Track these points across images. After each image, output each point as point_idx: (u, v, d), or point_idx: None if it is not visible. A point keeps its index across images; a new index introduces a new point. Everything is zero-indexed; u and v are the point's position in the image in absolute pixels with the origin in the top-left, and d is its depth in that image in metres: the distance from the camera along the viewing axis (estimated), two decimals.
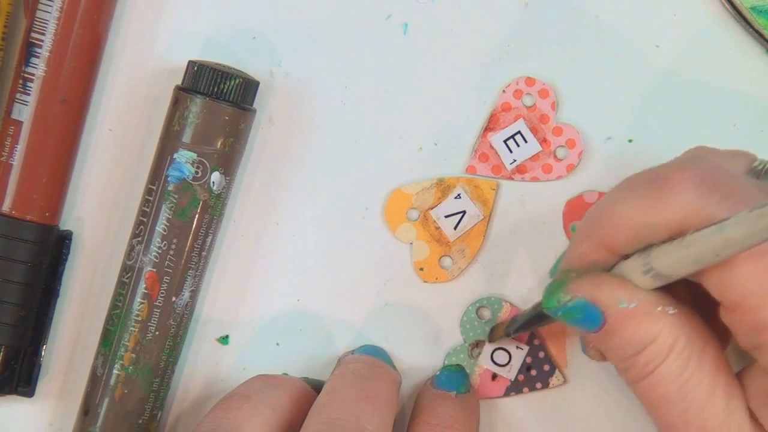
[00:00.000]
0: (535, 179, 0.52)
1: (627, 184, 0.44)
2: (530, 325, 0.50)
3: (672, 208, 0.41)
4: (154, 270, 0.49)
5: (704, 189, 0.41)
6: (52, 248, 0.51)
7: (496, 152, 0.52)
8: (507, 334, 0.51)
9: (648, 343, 0.42)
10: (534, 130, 0.52)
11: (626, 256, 0.43)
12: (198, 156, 0.49)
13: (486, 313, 0.52)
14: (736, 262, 0.40)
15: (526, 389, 0.52)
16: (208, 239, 0.50)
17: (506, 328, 0.50)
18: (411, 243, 0.52)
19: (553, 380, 0.52)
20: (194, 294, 0.50)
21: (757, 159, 0.45)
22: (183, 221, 0.49)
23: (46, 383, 0.52)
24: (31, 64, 0.49)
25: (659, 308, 0.42)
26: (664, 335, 0.42)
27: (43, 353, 0.51)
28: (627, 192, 0.43)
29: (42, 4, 0.49)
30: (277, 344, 0.52)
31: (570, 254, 0.45)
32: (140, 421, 0.50)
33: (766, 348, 0.41)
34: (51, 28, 0.49)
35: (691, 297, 0.44)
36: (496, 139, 0.52)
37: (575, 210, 0.52)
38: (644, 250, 0.42)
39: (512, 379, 0.51)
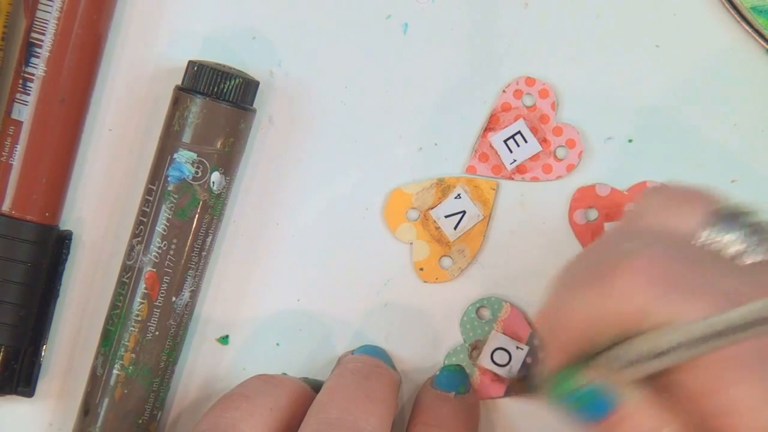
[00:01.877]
0: (535, 179, 0.52)
1: (573, 278, 0.42)
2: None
3: (620, 304, 0.40)
4: (154, 270, 0.49)
5: (651, 283, 0.39)
6: (52, 248, 0.51)
7: (496, 152, 0.52)
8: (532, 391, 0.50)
9: None
10: (534, 130, 0.52)
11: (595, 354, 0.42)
12: (198, 156, 0.49)
13: (486, 313, 0.52)
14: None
15: None
16: (208, 239, 0.50)
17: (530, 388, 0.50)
18: (411, 243, 0.52)
19: None
20: (194, 294, 0.50)
21: (718, 202, 0.44)
22: (183, 221, 0.49)
23: (46, 383, 0.52)
24: (31, 64, 0.49)
25: (666, 397, 0.41)
26: (671, 424, 0.41)
27: (43, 353, 0.51)
28: (574, 289, 0.41)
29: (42, 4, 0.49)
30: (277, 344, 0.52)
31: (543, 363, 0.43)
32: (140, 421, 0.50)
33: None
34: (51, 28, 0.49)
35: None
36: (496, 139, 0.52)
37: (584, 198, 0.52)
38: (611, 348, 0.41)
39: None
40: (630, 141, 0.52)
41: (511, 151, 0.52)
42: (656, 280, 0.40)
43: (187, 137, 0.49)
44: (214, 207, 0.50)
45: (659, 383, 0.41)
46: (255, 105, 0.50)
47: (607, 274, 0.40)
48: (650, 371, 0.40)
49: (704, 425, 0.40)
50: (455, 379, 0.51)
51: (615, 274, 0.40)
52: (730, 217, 0.43)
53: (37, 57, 0.49)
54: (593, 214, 0.52)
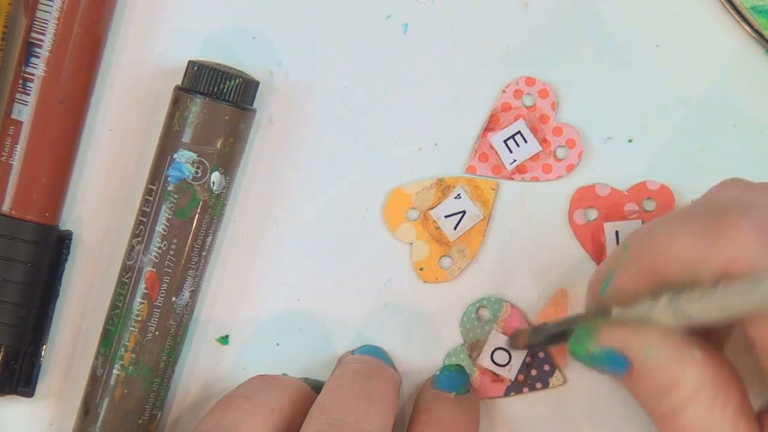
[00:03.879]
0: (535, 179, 0.52)
1: (685, 215, 0.43)
2: (552, 342, 0.49)
3: (726, 254, 0.41)
4: (154, 270, 0.49)
5: (762, 241, 0.40)
6: (52, 248, 0.51)
7: (496, 152, 0.52)
8: (530, 345, 0.50)
9: (673, 389, 0.43)
10: (534, 130, 0.52)
11: (659, 293, 0.43)
12: (198, 156, 0.49)
13: (486, 314, 0.52)
14: None
15: (526, 389, 0.52)
16: (208, 239, 0.50)
17: (529, 338, 0.50)
18: (411, 243, 0.52)
19: (553, 380, 0.52)
20: (194, 294, 0.50)
21: None
22: (183, 221, 0.49)
23: (46, 383, 0.52)
24: (31, 64, 0.49)
25: (687, 353, 0.43)
26: (689, 382, 0.42)
27: (43, 353, 0.51)
28: (684, 224, 0.43)
29: (42, 4, 0.49)
30: (277, 344, 0.52)
31: (621, 273, 0.45)
32: (140, 421, 0.50)
33: None
34: (51, 28, 0.49)
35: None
36: (496, 139, 0.52)
37: (584, 198, 0.52)
38: (679, 290, 0.42)
39: (512, 379, 0.51)
40: (630, 141, 0.52)
41: (511, 151, 0.52)
42: (764, 240, 0.40)
43: (187, 137, 0.49)
44: (214, 207, 0.50)
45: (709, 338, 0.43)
46: (255, 105, 0.50)
47: (719, 223, 0.41)
48: (715, 320, 0.41)
49: None
50: (455, 379, 0.51)
51: (731, 223, 0.41)
52: None
53: (37, 57, 0.49)
54: (593, 214, 0.52)
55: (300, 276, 0.52)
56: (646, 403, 0.44)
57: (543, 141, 0.52)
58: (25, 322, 0.50)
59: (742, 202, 0.42)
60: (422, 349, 0.52)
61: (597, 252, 0.52)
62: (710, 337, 0.44)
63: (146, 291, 0.49)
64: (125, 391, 0.50)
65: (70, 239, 0.51)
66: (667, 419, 0.43)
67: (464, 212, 0.52)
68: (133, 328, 0.49)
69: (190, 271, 0.50)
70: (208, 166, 0.49)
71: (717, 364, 0.43)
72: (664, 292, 0.43)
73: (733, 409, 0.43)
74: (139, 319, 0.49)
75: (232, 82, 0.49)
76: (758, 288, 0.39)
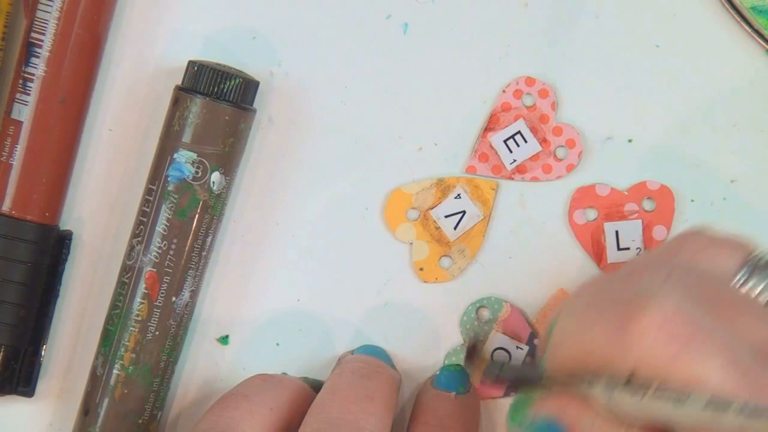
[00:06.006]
0: (535, 179, 0.52)
1: (595, 307, 0.42)
2: (515, 384, 0.48)
3: (632, 353, 0.40)
4: (154, 270, 0.49)
5: (661, 339, 0.40)
6: (52, 248, 0.51)
7: (496, 152, 0.52)
8: (491, 376, 0.49)
9: None
10: (534, 130, 0.52)
11: (596, 376, 0.42)
12: (198, 156, 0.49)
13: (486, 313, 0.52)
14: None
15: None
16: (208, 239, 0.50)
17: (487, 370, 0.49)
18: (411, 243, 0.52)
19: None
20: (194, 294, 0.50)
21: (754, 250, 0.44)
22: (183, 221, 0.49)
23: (46, 383, 0.52)
24: (31, 64, 0.49)
25: (623, 430, 0.41)
26: None
27: (43, 353, 0.51)
28: (596, 319, 0.42)
29: (42, 4, 0.49)
30: (277, 344, 0.52)
31: (550, 356, 0.44)
32: (140, 421, 0.50)
33: None
34: (51, 28, 0.49)
35: None
36: (496, 139, 0.52)
37: (584, 198, 0.52)
38: (614, 380, 0.41)
39: None
40: (630, 141, 0.52)
41: (511, 151, 0.52)
42: (674, 335, 0.40)
43: (187, 137, 0.49)
44: (214, 207, 0.50)
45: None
46: (255, 105, 0.50)
47: (624, 319, 0.40)
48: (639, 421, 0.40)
49: None
50: (455, 379, 0.51)
51: (633, 320, 0.40)
52: (766, 266, 0.43)
53: (37, 57, 0.49)
54: (593, 214, 0.52)
55: (300, 276, 0.52)
56: None
57: (543, 141, 0.52)
58: (25, 322, 0.50)
59: (648, 290, 0.41)
60: (422, 349, 0.52)
61: (597, 252, 0.52)
62: None
63: (146, 291, 0.49)
64: (125, 391, 0.50)
65: (70, 239, 0.51)
66: None
67: (464, 212, 0.52)
68: (133, 328, 0.49)
69: (190, 271, 0.50)
70: (208, 166, 0.49)
71: None
72: (601, 378, 0.41)
73: None
74: (139, 319, 0.49)
75: (232, 82, 0.49)
76: (684, 405, 0.39)
